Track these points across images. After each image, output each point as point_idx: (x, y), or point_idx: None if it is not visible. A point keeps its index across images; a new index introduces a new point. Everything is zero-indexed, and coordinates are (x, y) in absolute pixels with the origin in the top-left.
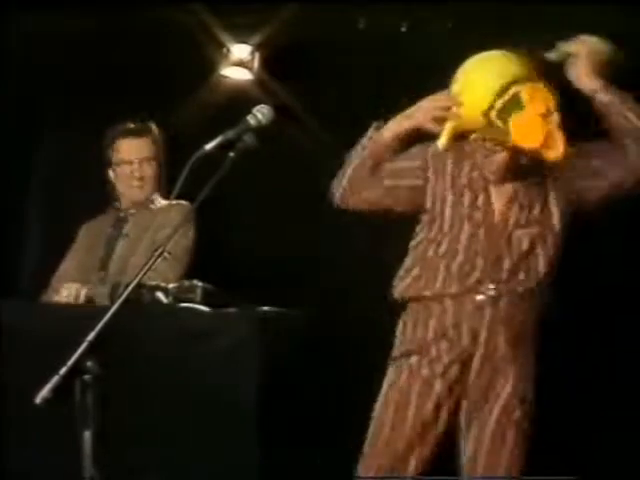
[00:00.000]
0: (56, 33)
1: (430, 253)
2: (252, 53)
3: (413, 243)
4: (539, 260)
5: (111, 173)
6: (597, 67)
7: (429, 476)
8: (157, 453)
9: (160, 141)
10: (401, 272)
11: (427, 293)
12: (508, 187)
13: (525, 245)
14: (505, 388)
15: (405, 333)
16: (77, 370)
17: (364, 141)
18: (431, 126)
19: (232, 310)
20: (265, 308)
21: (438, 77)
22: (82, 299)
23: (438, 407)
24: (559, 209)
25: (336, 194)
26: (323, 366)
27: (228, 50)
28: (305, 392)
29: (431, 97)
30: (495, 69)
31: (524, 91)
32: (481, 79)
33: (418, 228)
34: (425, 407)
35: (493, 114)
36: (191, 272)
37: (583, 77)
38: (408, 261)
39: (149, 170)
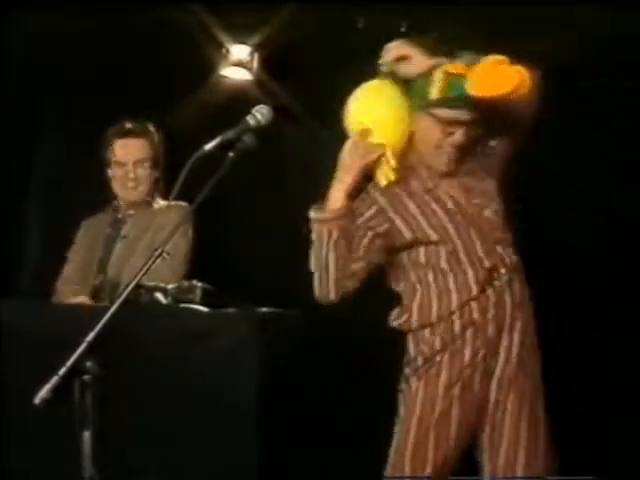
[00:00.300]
0: (56, 33)
1: (430, 277)
2: (251, 53)
3: (404, 284)
4: (506, 232)
5: (109, 173)
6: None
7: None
8: (157, 453)
9: (159, 142)
10: (405, 308)
11: (452, 308)
12: (458, 181)
13: (498, 224)
14: (526, 383)
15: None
16: (76, 370)
17: (323, 237)
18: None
19: (231, 310)
20: (264, 308)
21: None
22: None
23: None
24: (493, 180)
25: (328, 300)
26: (323, 366)
27: (227, 50)
28: (305, 392)
29: (347, 151)
30: (388, 96)
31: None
32: (383, 111)
33: (404, 268)
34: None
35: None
36: (191, 272)
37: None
38: (409, 296)
39: (143, 172)
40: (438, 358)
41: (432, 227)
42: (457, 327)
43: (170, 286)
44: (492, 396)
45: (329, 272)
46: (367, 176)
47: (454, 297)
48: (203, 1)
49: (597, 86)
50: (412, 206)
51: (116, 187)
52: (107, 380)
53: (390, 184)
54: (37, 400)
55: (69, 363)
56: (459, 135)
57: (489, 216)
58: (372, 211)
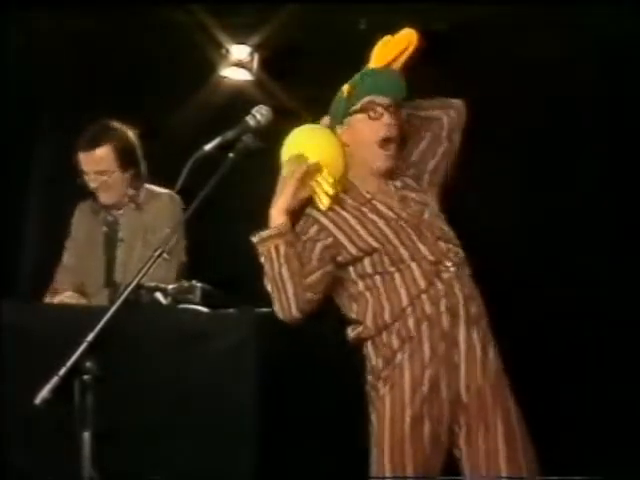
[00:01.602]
0: (56, 33)
1: (378, 283)
2: (251, 54)
3: (355, 297)
4: (447, 229)
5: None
6: None
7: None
8: (157, 453)
9: (127, 140)
10: (359, 317)
11: (404, 304)
12: (392, 192)
13: (438, 225)
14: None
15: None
16: (76, 371)
17: (272, 255)
18: (304, 192)
19: (231, 311)
20: (264, 309)
21: (438, 77)
22: None
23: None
24: (427, 191)
25: (292, 317)
26: (322, 367)
27: (227, 51)
28: (304, 393)
29: (283, 173)
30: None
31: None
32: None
33: (351, 282)
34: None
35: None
36: (190, 272)
37: None
38: (362, 307)
39: (108, 179)
40: (399, 357)
41: (372, 236)
42: (411, 323)
43: (170, 286)
44: (462, 389)
45: (286, 287)
46: (305, 202)
47: (403, 294)
48: (203, 1)
49: None
50: (351, 219)
51: (93, 192)
52: (107, 380)
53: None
54: (38, 400)
55: (69, 363)
56: (385, 119)
57: (427, 218)
58: (315, 228)
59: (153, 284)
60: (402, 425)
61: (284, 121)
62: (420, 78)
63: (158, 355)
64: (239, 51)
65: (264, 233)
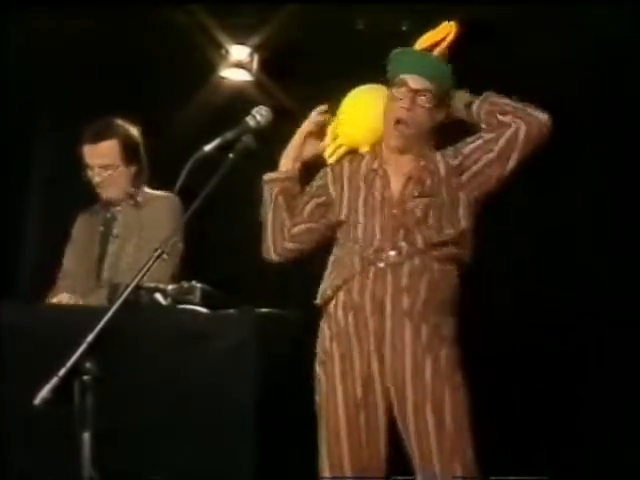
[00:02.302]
0: (56, 33)
1: (336, 253)
2: (251, 54)
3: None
4: (431, 229)
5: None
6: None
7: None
8: (156, 454)
9: (132, 137)
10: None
11: (338, 282)
12: (405, 169)
13: (418, 213)
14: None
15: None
16: (76, 371)
17: (266, 196)
18: (312, 128)
19: (231, 311)
20: (264, 309)
21: None
22: None
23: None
24: (449, 187)
25: (271, 258)
26: None
27: (227, 51)
28: (304, 393)
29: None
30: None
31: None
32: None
33: (333, 244)
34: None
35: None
36: (189, 273)
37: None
38: (327, 273)
39: (112, 174)
40: (328, 344)
41: (348, 206)
42: (340, 310)
43: (169, 287)
44: (389, 383)
45: (268, 231)
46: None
47: (343, 272)
48: (202, 2)
49: None
50: (347, 185)
51: (95, 187)
52: (107, 381)
53: (343, 162)
54: (37, 401)
55: (69, 364)
56: (403, 102)
57: (411, 207)
58: (319, 182)
59: (153, 285)
60: (336, 412)
61: (284, 122)
62: None
63: (158, 356)
64: (239, 52)
65: (266, 175)
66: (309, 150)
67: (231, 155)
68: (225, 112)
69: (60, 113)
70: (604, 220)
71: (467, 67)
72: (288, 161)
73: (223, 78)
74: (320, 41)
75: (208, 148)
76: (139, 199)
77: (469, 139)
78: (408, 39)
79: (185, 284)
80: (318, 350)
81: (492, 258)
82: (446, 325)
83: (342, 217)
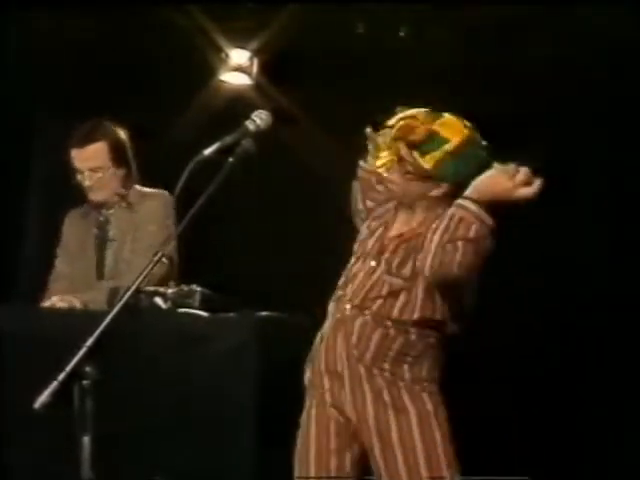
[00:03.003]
0: (56, 35)
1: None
2: (251, 58)
3: None
4: (394, 306)
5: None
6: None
7: None
8: (157, 456)
9: (119, 139)
10: None
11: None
12: (402, 224)
13: (384, 291)
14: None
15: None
16: (76, 375)
17: None
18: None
19: (230, 315)
20: (263, 313)
21: (437, 81)
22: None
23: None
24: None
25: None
26: None
27: (227, 55)
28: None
29: None
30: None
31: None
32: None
33: None
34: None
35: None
36: (189, 277)
37: None
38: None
39: (101, 177)
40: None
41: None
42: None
43: (169, 290)
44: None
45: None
46: None
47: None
48: (202, 6)
49: None
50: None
51: (85, 190)
52: (106, 385)
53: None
54: (37, 405)
55: (68, 368)
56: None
57: (384, 281)
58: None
59: (152, 288)
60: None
61: (283, 126)
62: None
63: (158, 359)
64: (239, 55)
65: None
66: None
67: (231, 159)
68: (225, 116)
69: (60, 113)
70: (601, 220)
71: (468, 70)
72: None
73: (223, 82)
74: (320, 45)
75: (208, 152)
76: (130, 199)
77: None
78: (407, 43)
79: (185, 287)
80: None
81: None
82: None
83: (361, 220)
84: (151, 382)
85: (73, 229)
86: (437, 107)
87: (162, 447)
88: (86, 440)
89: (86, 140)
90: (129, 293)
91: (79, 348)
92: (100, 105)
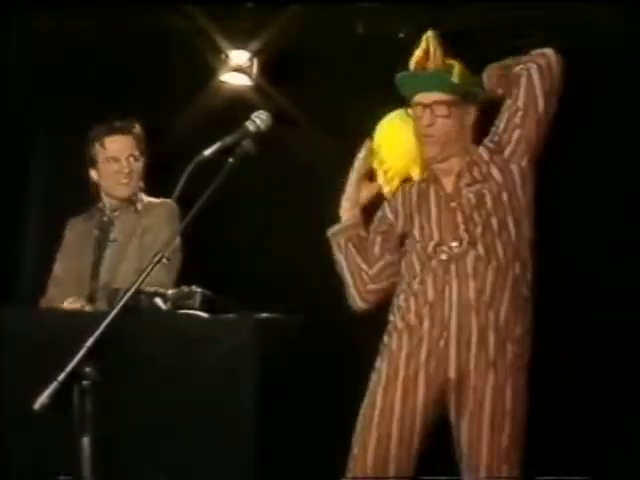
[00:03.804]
0: (56, 36)
1: (404, 259)
2: (251, 59)
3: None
4: (491, 216)
5: (94, 172)
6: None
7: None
8: (156, 458)
9: (143, 138)
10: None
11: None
12: (453, 170)
13: (473, 200)
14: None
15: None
16: (76, 376)
17: (336, 250)
18: (361, 172)
19: (231, 316)
20: (264, 314)
21: None
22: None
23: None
24: (498, 166)
25: (360, 308)
26: (322, 372)
27: (227, 56)
28: (303, 398)
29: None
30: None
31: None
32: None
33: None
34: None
35: None
36: (189, 278)
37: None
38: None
39: (136, 166)
40: (395, 336)
41: (404, 218)
42: (411, 302)
43: (169, 292)
44: (452, 375)
45: (348, 281)
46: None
47: (411, 269)
48: (202, 7)
49: None
50: (400, 203)
51: (107, 184)
52: (106, 386)
53: (397, 191)
54: (37, 406)
55: (68, 369)
56: (424, 120)
57: (465, 195)
58: (378, 215)
59: (152, 289)
60: (395, 389)
61: (283, 126)
62: None
63: (158, 360)
64: (238, 56)
65: (330, 230)
66: (365, 194)
67: (231, 159)
68: (225, 116)
69: (59, 114)
70: (601, 221)
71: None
72: (347, 210)
73: (223, 82)
74: (320, 46)
75: (208, 152)
76: (138, 205)
77: (499, 117)
78: (407, 44)
79: (185, 289)
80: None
81: None
82: (515, 318)
83: (399, 229)
84: (151, 383)
85: (74, 234)
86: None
87: (161, 448)
88: (86, 441)
89: (123, 129)
90: (129, 294)
91: (79, 349)
92: (99, 106)
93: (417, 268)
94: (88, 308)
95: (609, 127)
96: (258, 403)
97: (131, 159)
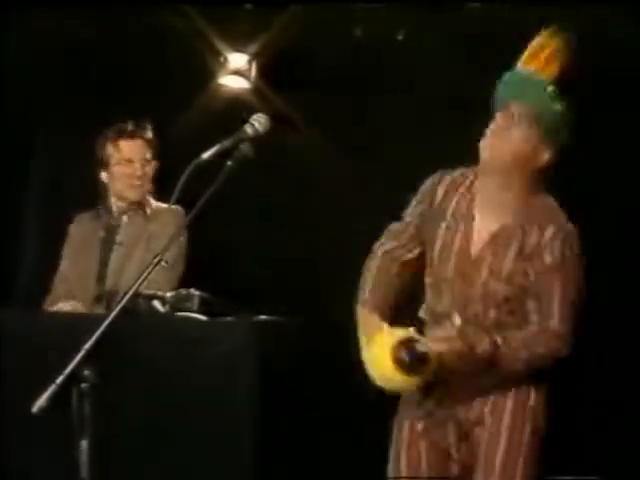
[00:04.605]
0: (55, 36)
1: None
2: (249, 62)
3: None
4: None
5: (105, 174)
6: None
7: None
8: (155, 460)
9: (155, 142)
10: None
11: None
12: (495, 217)
13: (500, 298)
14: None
15: None
16: (74, 379)
17: None
18: None
19: (229, 319)
20: (262, 317)
21: (434, 84)
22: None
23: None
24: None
25: None
26: (320, 374)
27: (225, 59)
28: (302, 399)
29: None
30: None
31: None
32: None
33: None
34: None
35: None
36: (188, 281)
37: None
38: None
39: (149, 170)
40: None
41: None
42: None
43: (168, 294)
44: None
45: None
46: None
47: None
48: (201, 9)
49: None
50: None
51: (119, 186)
52: (105, 388)
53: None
54: (35, 409)
55: (67, 371)
56: (497, 124)
57: (495, 288)
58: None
59: (151, 292)
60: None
61: (282, 129)
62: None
63: (156, 363)
64: (237, 59)
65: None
66: None
67: (229, 162)
68: (223, 119)
69: (59, 114)
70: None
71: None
72: None
73: (221, 85)
74: (318, 49)
75: (206, 155)
76: (147, 209)
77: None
78: (405, 47)
79: (183, 291)
80: None
81: None
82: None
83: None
84: (149, 385)
85: (80, 231)
86: (436, 107)
87: (161, 450)
88: (84, 444)
89: (136, 133)
90: (127, 297)
91: (78, 351)
92: (99, 106)
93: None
94: (82, 309)
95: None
96: (256, 404)
97: (144, 162)
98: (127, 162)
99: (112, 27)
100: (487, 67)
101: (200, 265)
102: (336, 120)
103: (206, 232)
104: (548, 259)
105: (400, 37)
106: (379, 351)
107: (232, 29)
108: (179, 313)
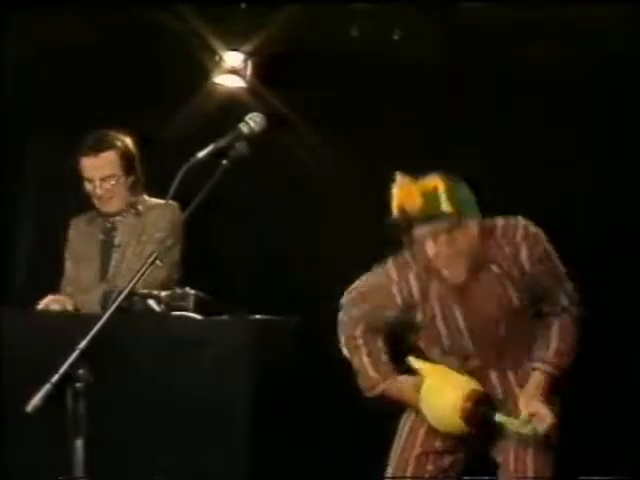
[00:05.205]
0: (54, 37)
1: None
2: (245, 61)
3: None
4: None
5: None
6: None
7: None
8: (151, 460)
9: (128, 147)
10: None
11: None
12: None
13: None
14: None
15: None
16: (69, 378)
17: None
18: None
19: (224, 318)
20: (258, 316)
21: (432, 84)
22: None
23: None
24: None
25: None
26: (316, 373)
27: (221, 58)
28: (298, 399)
29: None
30: None
31: None
32: None
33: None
34: None
35: None
36: (183, 280)
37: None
38: None
39: (112, 186)
40: None
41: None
42: None
43: (163, 293)
44: None
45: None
46: None
47: None
48: (196, 8)
49: None
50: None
51: (93, 200)
52: (99, 388)
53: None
54: (29, 408)
55: (62, 371)
56: (428, 248)
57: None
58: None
59: (146, 291)
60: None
61: (277, 128)
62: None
63: (151, 362)
64: (232, 58)
65: None
66: None
67: (224, 162)
68: (218, 119)
69: (57, 115)
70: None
71: (466, 72)
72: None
73: (217, 84)
74: (314, 48)
75: (201, 155)
76: (139, 208)
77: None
78: (402, 46)
79: (178, 290)
80: None
81: None
82: None
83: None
84: (145, 385)
85: (78, 235)
86: (436, 107)
87: (157, 450)
88: (79, 443)
89: (97, 149)
90: (122, 296)
91: (72, 351)
92: (94, 110)
93: None
94: (70, 307)
95: None
96: (252, 404)
97: (105, 181)
98: (87, 180)
99: (107, 26)
100: (487, 66)
101: (196, 264)
102: (332, 119)
103: (202, 231)
104: (526, 265)
105: (397, 37)
106: (448, 402)
107: (227, 28)
108: (175, 312)
